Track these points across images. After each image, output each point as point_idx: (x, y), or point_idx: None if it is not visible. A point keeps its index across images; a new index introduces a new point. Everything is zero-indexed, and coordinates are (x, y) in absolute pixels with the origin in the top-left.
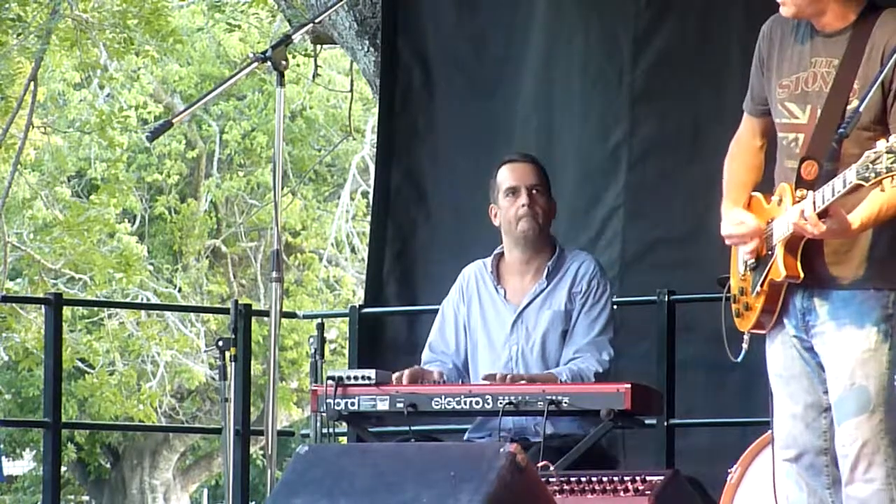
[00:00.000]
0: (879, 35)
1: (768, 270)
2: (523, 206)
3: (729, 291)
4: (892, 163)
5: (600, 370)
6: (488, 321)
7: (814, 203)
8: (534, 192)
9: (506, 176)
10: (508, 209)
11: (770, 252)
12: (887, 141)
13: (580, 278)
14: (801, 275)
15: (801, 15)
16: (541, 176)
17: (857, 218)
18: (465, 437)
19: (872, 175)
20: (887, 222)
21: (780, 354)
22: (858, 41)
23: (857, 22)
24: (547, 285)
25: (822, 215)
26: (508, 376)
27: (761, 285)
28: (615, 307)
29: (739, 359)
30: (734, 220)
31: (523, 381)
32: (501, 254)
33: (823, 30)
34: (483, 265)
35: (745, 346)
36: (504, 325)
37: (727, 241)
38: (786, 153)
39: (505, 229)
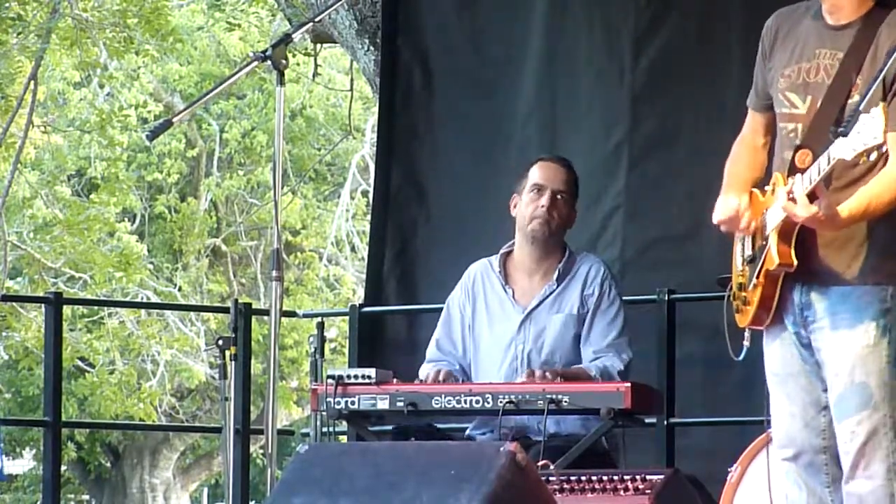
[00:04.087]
0: (886, 33)
1: (763, 260)
2: (542, 206)
3: (730, 290)
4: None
5: (622, 368)
6: (494, 320)
7: (802, 184)
8: (558, 196)
9: (537, 173)
10: (528, 205)
11: (765, 242)
12: (869, 113)
13: (591, 281)
14: (795, 262)
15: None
16: (570, 184)
17: (845, 208)
18: (466, 435)
19: (859, 146)
20: (881, 217)
21: (779, 352)
22: (865, 37)
23: (866, 17)
24: (557, 287)
25: (811, 198)
26: (546, 372)
27: (757, 277)
28: None
29: (741, 357)
30: (724, 203)
31: (559, 376)
32: (509, 252)
33: (832, 22)
34: (489, 264)
35: (746, 343)
36: (511, 324)
37: (715, 220)
38: (785, 144)
39: (518, 223)
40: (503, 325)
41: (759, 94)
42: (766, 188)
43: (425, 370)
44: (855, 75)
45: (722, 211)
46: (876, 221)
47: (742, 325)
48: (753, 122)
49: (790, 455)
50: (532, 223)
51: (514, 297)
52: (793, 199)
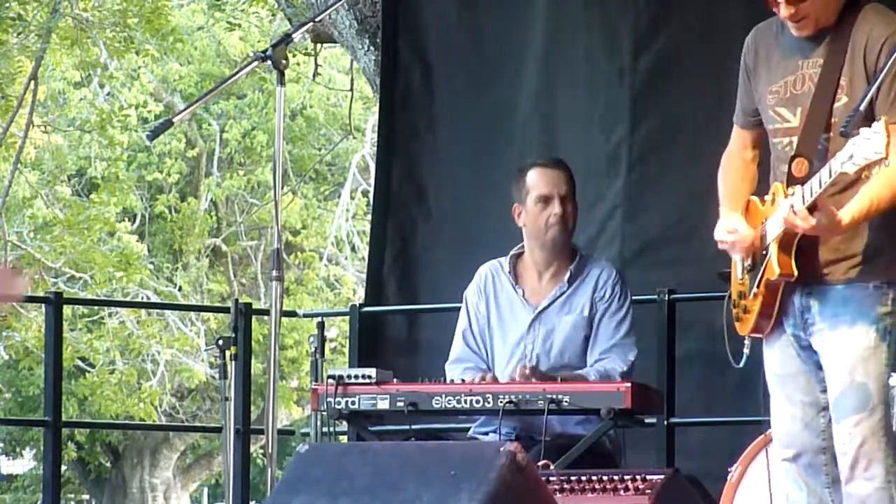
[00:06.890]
0: (861, 30)
1: (764, 270)
2: (555, 215)
3: (730, 296)
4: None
5: (625, 369)
6: (504, 320)
7: (802, 197)
8: (566, 201)
9: (537, 182)
10: (539, 215)
11: (765, 252)
12: (871, 127)
13: (602, 285)
14: (796, 273)
15: (815, 27)
16: (570, 183)
17: (847, 213)
18: (470, 434)
19: (861, 161)
20: (883, 218)
21: (778, 354)
22: (841, 38)
23: (839, 20)
24: (568, 288)
25: (812, 209)
26: (533, 371)
27: (758, 286)
28: None
29: (741, 364)
30: (728, 226)
31: (554, 379)
32: (519, 254)
33: (807, 32)
34: (499, 265)
35: (746, 350)
36: (520, 324)
37: (720, 246)
38: (781, 157)
39: (531, 233)
40: (513, 324)
41: (745, 112)
42: (767, 197)
43: (458, 371)
44: (838, 77)
45: (723, 232)
46: (876, 223)
47: (742, 332)
48: (741, 138)
49: (790, 456)
50: (550, 232)
51: (524, 296)
52: (794, 212)
